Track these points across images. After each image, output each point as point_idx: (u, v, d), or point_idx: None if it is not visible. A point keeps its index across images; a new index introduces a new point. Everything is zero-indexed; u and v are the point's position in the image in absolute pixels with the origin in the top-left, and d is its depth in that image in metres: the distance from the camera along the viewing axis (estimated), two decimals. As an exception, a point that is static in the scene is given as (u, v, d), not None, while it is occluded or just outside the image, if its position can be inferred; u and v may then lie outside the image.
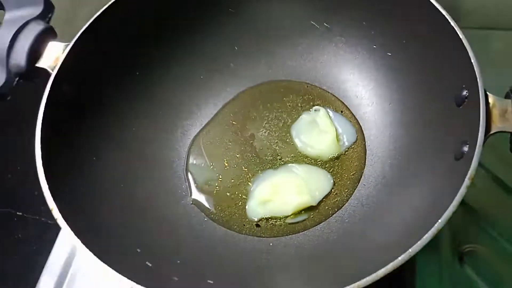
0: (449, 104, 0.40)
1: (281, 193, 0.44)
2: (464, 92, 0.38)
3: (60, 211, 0.36)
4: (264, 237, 0.43)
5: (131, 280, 0.32)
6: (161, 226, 0.43)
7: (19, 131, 0.57)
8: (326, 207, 0.44)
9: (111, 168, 0.45)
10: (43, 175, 0.37)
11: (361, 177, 0.45)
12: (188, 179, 0.48)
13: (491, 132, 0.36)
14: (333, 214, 0.44)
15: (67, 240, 0.49)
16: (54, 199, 0.36)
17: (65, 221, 0.35)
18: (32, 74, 0.44)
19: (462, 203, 0.47)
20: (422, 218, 0.34)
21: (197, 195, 0.47)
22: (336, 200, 0.44)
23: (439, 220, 0.32)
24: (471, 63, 0.37)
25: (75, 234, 0.34)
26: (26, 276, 0.50)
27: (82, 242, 0.34)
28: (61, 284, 0.48)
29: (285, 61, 0.53)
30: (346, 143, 0.47)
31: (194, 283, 0.37)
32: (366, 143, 0.47)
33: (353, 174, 0.46)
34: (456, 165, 0.36)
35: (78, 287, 0.47)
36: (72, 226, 0.35)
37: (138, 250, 0.38)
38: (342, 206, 0.44)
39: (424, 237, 0.31)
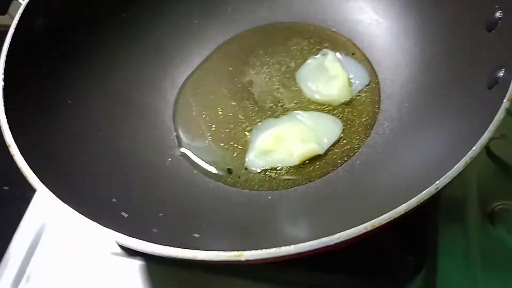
0: (478, 30, 0.34)
1: (284, 142, 0.39)
2: (497, 14, 0.33)
3: (22, 152, 0.30)
4: (262, 190, 0.38)
5: (94, 221, 0.26)
6: (143, 177, 0.38)
7: None
8: (334, 156, 0.38)
9: (90, 113, 0.39)
10: (3, 109, 0.32)
11: (374, 122, 0.39)
12: (176, 129, 0.42)
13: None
14: (343, 163, 0.38)
15: (38, 211, 0.44)
16: (15, 138, 0.31)
17: (28, 164, 0.30)
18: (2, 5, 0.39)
19: (493, 156, 0.41)
20: (452, 153, 0.28)
21: (186, 146, 0.41)
22: (346, 149, 0.38)
23: (473, 148, 0.26)
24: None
25: (36, 175, 0.29)
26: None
27: (42, 182, 0.28)
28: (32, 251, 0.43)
29: (289, 2, 0.47)
30: (358, 87, 0.41)
31: (177, 236, 0.31)
32: (380, 86, 0.41)
33: (365, 120, 0.40)
34: (489, 94, 0.30)
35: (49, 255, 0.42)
36: (38, 172, 0.29)
37: (114, 200, 0.33)
38: (352, 155, 0.38)
39: (455, 167, 0.25)
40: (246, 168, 0.39)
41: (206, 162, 0.40)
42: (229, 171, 0.39)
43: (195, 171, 0.40)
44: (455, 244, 0.38)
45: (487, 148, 0.42)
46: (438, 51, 0.38)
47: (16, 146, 0.30)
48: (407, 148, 0.35)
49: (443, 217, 0.39)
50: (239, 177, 0.39)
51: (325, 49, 0.44)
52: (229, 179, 0.39)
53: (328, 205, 0.34)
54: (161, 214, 0.34)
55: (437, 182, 0.25)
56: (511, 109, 0.43)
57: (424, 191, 0.25)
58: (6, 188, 0.50)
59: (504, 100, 0.27)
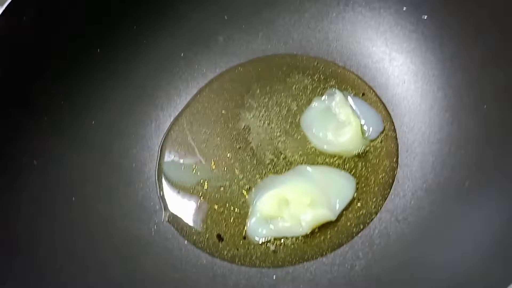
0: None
1: (290, 206, 0.33)
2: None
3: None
4: (265, 267, 0.32)
5: None
6: (124, 254, 0.32)
7: None
8: (348, 223, 0.33)
9: (59, 175, 0.33)
10: None
11: (393, 181, 0.34)
12: (162, 188, 0.36)
13: None
14: (358, 232, 0.32)
15: None
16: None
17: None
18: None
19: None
20: (496, 244, 0.23)
21: (174, 210, 0.35)
22: (362, 213, 0.33)
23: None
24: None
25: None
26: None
27: None
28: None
29: (288, 32, 0.42)
30: (372, 135, 0.36)
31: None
32: (397, 134, 0.36)
33: (382, 177, 0.34)
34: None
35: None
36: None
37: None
38: (369, 222, 0.33)
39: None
40: (245, 238, 0.33)
41: (198, 229, 0.34)
42: (220, 237, 0.34)
43: (185, 242, 0.34)
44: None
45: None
46: (467, 99, 0.32)
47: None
48: (435, 220, 0.30)
49: None
50: (237, 249, 0.33)
51: (331, 88, 0.38)
52: (225, 252, 0.33)
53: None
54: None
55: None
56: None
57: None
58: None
59: None
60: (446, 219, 0.29)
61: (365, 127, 0.36)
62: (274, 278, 0.31)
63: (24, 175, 0.32)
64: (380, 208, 0.33)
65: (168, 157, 0.38)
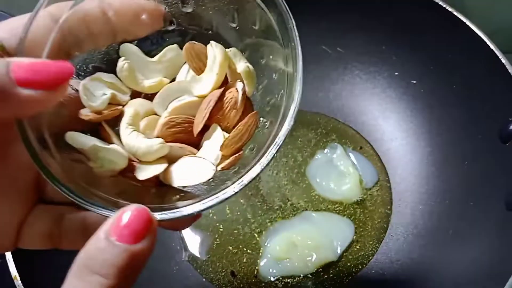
0: (492, 140, 0.34)
1: (298, 249, 0.37)
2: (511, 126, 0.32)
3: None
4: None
5: None
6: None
7: None
8: (348, 263, 0.37)
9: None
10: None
11: (387, 226, 0.38)
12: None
13: (553, 177, 0.29)
14: (358, 272, 0.37)
15: None
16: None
17: None
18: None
19: None
20: (476, 282, 0.27)
21: (193, 250, 0.40)
22: (360, 255, 0.37)
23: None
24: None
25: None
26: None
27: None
28: None
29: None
30: (368, 185, 0.41)
31: None
32: (391, 185, 0.40)
33: (378, 223, 0.39)
34: (508, 216, 0.30)
35: None
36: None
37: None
38: (367, 263, 0.37)
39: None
40: (256, 276, 0.38)
41: (215, 268, 0.39)
42: (234, 274, 0.38)
43: (203, 279, 0.38)
44: None
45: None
46: (451, 156, 0.37)
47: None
48: (423, 261, 0.34)
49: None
50: (249, 286, 0.37)
51: (333, 142, 0.44)
52: (240, 289, 0.37)
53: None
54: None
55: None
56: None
57: None
58: None
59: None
60: (432, 261, 0.33)
61: (362, 178, 0.41)
62: (283, 313, 0.35)
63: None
64: (377, 250, 0.37)
65: (188, 202, 0.42)
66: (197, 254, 0.39)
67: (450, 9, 0.37)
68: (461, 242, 0.32)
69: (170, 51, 0.23)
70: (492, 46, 0.34)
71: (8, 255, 0.30)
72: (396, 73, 0.43)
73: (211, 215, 0.41)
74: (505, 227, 0.29)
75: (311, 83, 0.47)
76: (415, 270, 0.34)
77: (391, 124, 0.43)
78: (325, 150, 0.43)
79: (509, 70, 0.33)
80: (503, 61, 0.34)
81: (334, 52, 0.45)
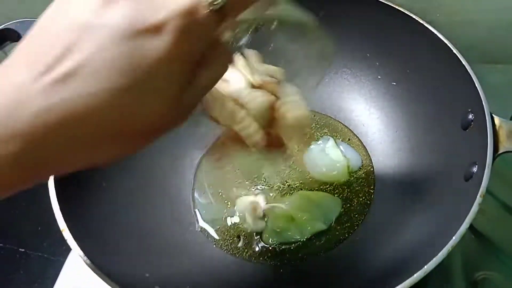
0: (455, 128, 0.41)
1: (296, 222, 0.44)
2: (470, 116, 0.39)
3: (71, 232, 0.35)
4: (273, 263, 0.43)
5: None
6: (169, 253, 0.43)
7: None
8: (337, 233, 0.44)
9: (121, 195, 0.45)
10: (55, 198, 0.37)
11: (370, 202, 0.45)
12: (195, 206, 0.48)
13: (499, 152, 0.36)
14: (345, 239, 0.43)
15: (68, 276, 0.48)
16: (65, 221, 0.36)
17: (75, 241, 0.35)
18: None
19: (474, 231, 0.47)
20: (436, 238, 0.34)
21: (204, 223, 0.46)
22: (347, 226, 0.44)
23: (453, 237, 0.32)
24: (476, 87, 0.39)
25: (84, 254, 0.34)
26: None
27: (90, 261, 0.34)
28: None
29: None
30: (354, 169, 0.48)
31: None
32: (374, 170, 0.48)
33: (362, 200, 0.46)
34: (466, 186, 0.36)
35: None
36: (82, 247, 0.35)
37: (147, 275, 0.38)
38: (352, 232, 0.44)
39: (439, 254, 0.31)
40: (259, 244, 0.44)
41: (223, 237, 0.45)
42: (239, 237, 0.44)
43: (214, 246, 0.45)
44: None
45: (469, 223, 0.48)
46: (422, 143, 0.45)
47: (68, 231, 0.35)
48: (398, 230, 0.41)
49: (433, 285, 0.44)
50: (253, 251, 0.44)
51: (325, 135, 0.51)
52: (245, 253, 0.44)
53: (331, 279, 0.40)
54: (188, 287, 0.39)
55: (425, 267, 0.30)
56: (488, 187, 0.50)
57: (415, 275, 0.30)
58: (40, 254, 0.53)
59: (478, 196, 0.33)
60: (403, 225, 0.40)
61: (350, 163, 0.48)
62: (281, 271, 0.42)
63: (96, 193, 0.43)
64: (361, 222, 0.44)
65: (199, 184, 0.50)
66: (208, 227, 0.46)
67: (422, 22, 0.44)
68: (428, 207, 0.39)
69: None
70: (455, 51, 0.41)
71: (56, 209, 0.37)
72: (379, 77, 0.50)
73: (220, 193, 0.48)
74: (461, 193, 0.36)
75: (307, 86, 0.54)
76: (390, 240, 0.41)
77: (375, 119, 0.50)
78: (319, 142, 0.50)
79: (469, 72, 0.40)
80: (464, 63, 0.41)
81: (327, 59, 0.53)
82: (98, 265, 0.34)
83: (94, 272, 0.33)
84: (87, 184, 0.43)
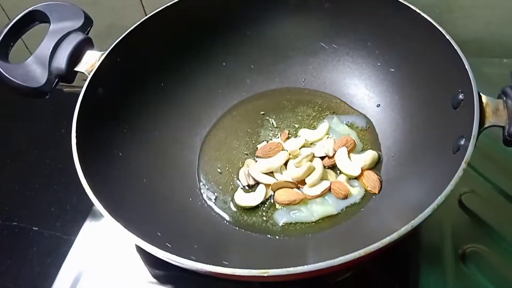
0: (447, 108, 0.44)
1: (308, 203, 0.47)
2: (460, 96, 0.43)
3: (92, 190, 0.39)
4: (282, 237, 0.46)
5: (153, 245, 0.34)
6: (180, 217, 0.46)
7: (41, 153, 0.62)
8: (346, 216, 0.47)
9: (136, 164, 0.48)
10: (78, 159, 0.41)
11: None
12: (200, 180, 0.51)
13: (485, 126, 0.39)
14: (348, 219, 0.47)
15: (78, 254, 0.52)
16: (87, 181, 0.40)
17: (95, 196, 0.38)
18: (70, 77, 0.49)
19: (466, 210, 0.50)
20: (426, 200, 0.36)
21: (210, 193, 0.50)
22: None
23: (439, 197, 0.35)
24: (466, 69, 0.42)
25: (106, 209, 0.38)
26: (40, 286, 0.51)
27: (109, 213, 0.37)
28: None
29: (296, 78, 0.58)
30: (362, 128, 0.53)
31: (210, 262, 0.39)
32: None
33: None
34: (454, 157, 0.40)
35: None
36: (101, 201, 0.38)
37: (159, 234, 0.41)
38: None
39: (425, 211, 0.34)
40: (268, 219, 0.48)
41: (229, 207, 0.49)
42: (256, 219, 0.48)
43: (217, 210, 0.48)
44: (433, 282, 0.46)
45: (459, 201, 0.51)
46: (416, 122, 0.48)
47: (89, 187, 0.39)
48: (395, 195, 0.45)
49: (423, 257, 0.47)
50: (261, 225, 0.47)
51: (329, 115, 0.54)
52: (252, 225, 0.47)
53: (337, 244, 0.43)
54: (196, 246, 0.42)
55: (412, 222, 0.34)
56: (479, 168, 0.53)
57: (402, 228, 0.33)
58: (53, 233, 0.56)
59: (462, 163, 0.36)
60: (402, 192, 0.44)
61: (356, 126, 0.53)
62: (286, 239, 0.45)
63: (113, 162, 0.47)
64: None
65: (208, 158, 0.53)
66: (212, 196, 0.50)
67: (418, 11, 0.47)
68: (421, 177, 0.43)
69: None
70: (448, 37, 0.44)
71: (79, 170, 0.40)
72: (379, 64, 0.54)
73: (227, 168, 0.52)
74: (449, 163, 0.39)
75: (311, 72, 0.58)
76: (389, 204, 0.45)
77: (374, 103, 0.54)
78: (324, 121, 0.54)
79: (460, 55, 0.43)
80: (455, 47, 0.44)
81: (330, 47, 0.57)
82: (115, 217, 0.37)
83: (112, 223, 0.37)
84: (106, 154, 0.47)
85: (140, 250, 0.49)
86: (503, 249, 0.48)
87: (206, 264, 0.34)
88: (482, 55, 0.65)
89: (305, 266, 0.32)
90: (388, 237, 0.33)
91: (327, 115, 0.55)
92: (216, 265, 0.33)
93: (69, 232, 0.53)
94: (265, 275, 0.32)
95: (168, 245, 0.39)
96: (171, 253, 0.35)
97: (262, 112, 0.56)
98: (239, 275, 0.33)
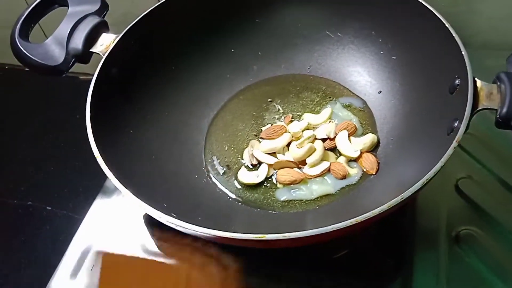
0: (445, 94, 0.46)
1: (308, 182, 0.50)
2: (457, 81, 0.44)
3: (104, 161, 0.42)
4: (279, 211, 0.48)
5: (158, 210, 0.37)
6: (186, 192, 0.49)
7: (55, 137, 0.65)
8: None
9: (145, 141, 0.51)
10: (91, 133, 0.44)
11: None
12: (207, 159, 0.54)
13: (478, 109, 0.41)
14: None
15: (88, 230, 0.54)
16: (100, 152, 0.42)
17: (107, 167, 0.41)
18: (86, 57, 0.52)
19: (462, 194, 0.52)
20: (419, 178, 0.38)
21: (215, 173, 0.53)
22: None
23: (429, 172, 0.37)
24: (462, 55, 0.44)
25: (115, 177, 0.40)
26: (50, 261, 0.53)
27: (119, 181, 0.40)
28: (79, 268, 0.52)
29: (302, 65, 0.60)
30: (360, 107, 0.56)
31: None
32: (376, 127, 0.53)
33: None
34: (447, 139, 0.41)
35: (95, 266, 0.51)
36: (113, 172, 0.41)
37: (165, 205, 0.43)
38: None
39: (415, 185, 0.36)
40: (270, 196, 0.50)
41: (234, 187, 0.51)
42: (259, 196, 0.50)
43: (221, 188, 0.51)
44: (428, 262, 0.47)
45: (456, 186, 0.52)
46: (414, 107, 0.50)
47: (101, 158, 0.42)
48: (391, 175, 0.47)
49: (418, 238, 0.49)
50: (265, 201, 0.50)
51: (332, 101, 0.57)
52: (259, 202, 0.49)
53: (332, 217, 0.45)
54: (199, 218, 0.44)
55: (402, 194, 0.36)
56: (476, 155, 0.55)
57: (392, 200, 0.35)
58: (65, 212, 0.58)
59: (454, 141, 0.38)
60: (397, 171, 0.46)
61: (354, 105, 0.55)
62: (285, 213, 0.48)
63: (124, 139, 0.50)
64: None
65: (214, 139, 0.56)
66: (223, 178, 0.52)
67: (419, 0, 0.49)
68: (416, 157, 0.44)
69: None
70: (447, 25, 0.46)
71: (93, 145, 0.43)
72: (381, 52, 0.56)
73: (233, 148, 0.54)
74: (443, 144, 0.41)
75: (317, 59, 0.60)
76: (384, 181, 0.47)
77: (376, 89, 0.56)
78: (328, 106, 0.56)
79: (458, 43, 0.45)
80: (453, 34, 0.46)
81: (335, 36, 0.59)
82: (125, 185, 0.40)
83: (121, 189, 0.39)
84: (117, 130, 0.49)
85: (148, 223, 0.52)
86: (497, 232, 0.49)
87: (208, 228, 0.36)
88: (486, 48, 0.66)
89: (299, 232, 0.34)
90: (378, 208, 0.35)
91: (330, 100, 0.57)
92: (216, 229, 0.36)
93: (81, 212, 0.56)
94: (262, 239, 0.35)
95: (173, 215, 0.42)
96: (176, 218, 0.37)
97: (269, 100, 0.58)
98: (239, 239, 0.35)
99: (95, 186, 0.58)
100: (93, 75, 0.49)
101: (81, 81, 0.68)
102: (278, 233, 0.35)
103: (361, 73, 0.57)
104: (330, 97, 0.57)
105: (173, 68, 0.57)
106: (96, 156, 0.42)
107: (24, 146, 0.67)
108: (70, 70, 0.52)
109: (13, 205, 0.59)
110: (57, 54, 0.50)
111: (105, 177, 0.41)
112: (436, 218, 0.50)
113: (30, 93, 0.74)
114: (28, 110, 0.71)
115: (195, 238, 0.46)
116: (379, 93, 0.55)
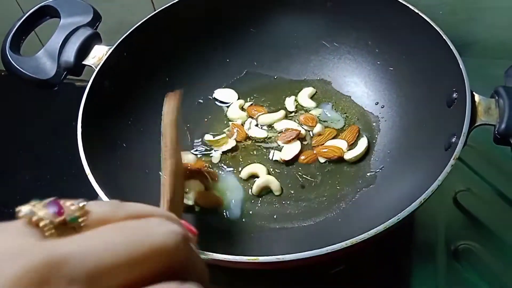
0: (442, 107, 0.45)
1: None
2: (454, 95, 0.44)
3: (94, 178, 0.41)
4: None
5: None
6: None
7: (52, 145, 0.65)
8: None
9: (139, 155, 0.50)
10: (83, 150, 0.43)
11: (362, 173, 0.50)
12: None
13: (476, 124, 0.40)
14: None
15: None
16: (91, 171, 0.42)
17: (97, 184, 0.40)
18: (78, 70, 0.51)
19: (461, 208, 0.51)
20: (416, 195, 0.37)
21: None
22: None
23: (426, 192, 0.36)
24: (460, 68, 0.43)
25: (106, 195, 0.40)
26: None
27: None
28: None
29: (298, 74, 0.59)
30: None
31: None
32: (369, 144, 0.52)
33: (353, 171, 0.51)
34: (445, 154, 0.41)
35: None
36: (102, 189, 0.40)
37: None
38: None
39: (411, 205, 0.35)
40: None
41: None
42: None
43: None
44: (425, 277, 0.47)
45: (454, 199, 0.52)
46: (411, 119, 0.49)
47: (92, 176, 0.41)
48: (389, 190, 0.46)
49: (416, 253, 0.48)
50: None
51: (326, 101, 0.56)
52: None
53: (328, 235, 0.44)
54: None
55: (398, 215, 0.35)
56: (475, 167, 0.54)
57: (389, 221, 0.35)
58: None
59: (451, 159, 0.37)
60: (394, 185, 0.45)
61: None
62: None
63: (117, 153, 0.49)
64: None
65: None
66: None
67: (417, 11, 0.48)
68: (413, 173, 0.44)
69: None
70: (445, 37, 0.45)
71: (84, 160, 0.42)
72: (378, 62, 0.55)
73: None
74: (440, 160, 0.40)
75: (312, 69, 0.59)
76: (380, 198, 0.46)
77: (373, 100, 0.55)
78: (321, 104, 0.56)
79: (455, 54, 0.44)
80: (451, 47, 0.45)
81: (332, 46, 0.58)
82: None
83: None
84: (110, 144, 0.49)
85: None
86: (496, 247, 0.48)
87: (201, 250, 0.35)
88: (485, 57, 0.66)
89: (293, 254, 0.33)
90: (374, 229, 0.34)
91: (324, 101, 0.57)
92: (211, 252, 0.35)
93: (77, 219, 0.55)
94: (256, 261, 0.34)
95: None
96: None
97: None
98: (231, 261, 0.35)
99: (92, 194, 0.57)
100: (88, 81, 0.48)
101: (78, 88, 0.67)
102: (273, 255, 0.34)
103: (358, 83, 0.56)
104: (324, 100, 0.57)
105: (167, 79, 0.56)
106: (87, 173, 0.41)
107: (21, 153, 0.66)
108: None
109: (9, 214, 0.58)
110: (49, 67, 0.49)
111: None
112: (434, 231, 0.49)
113: (26, 100, 0.73)
114: (24, 118, 0.71)
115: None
116: (376, 104, 0.54)
